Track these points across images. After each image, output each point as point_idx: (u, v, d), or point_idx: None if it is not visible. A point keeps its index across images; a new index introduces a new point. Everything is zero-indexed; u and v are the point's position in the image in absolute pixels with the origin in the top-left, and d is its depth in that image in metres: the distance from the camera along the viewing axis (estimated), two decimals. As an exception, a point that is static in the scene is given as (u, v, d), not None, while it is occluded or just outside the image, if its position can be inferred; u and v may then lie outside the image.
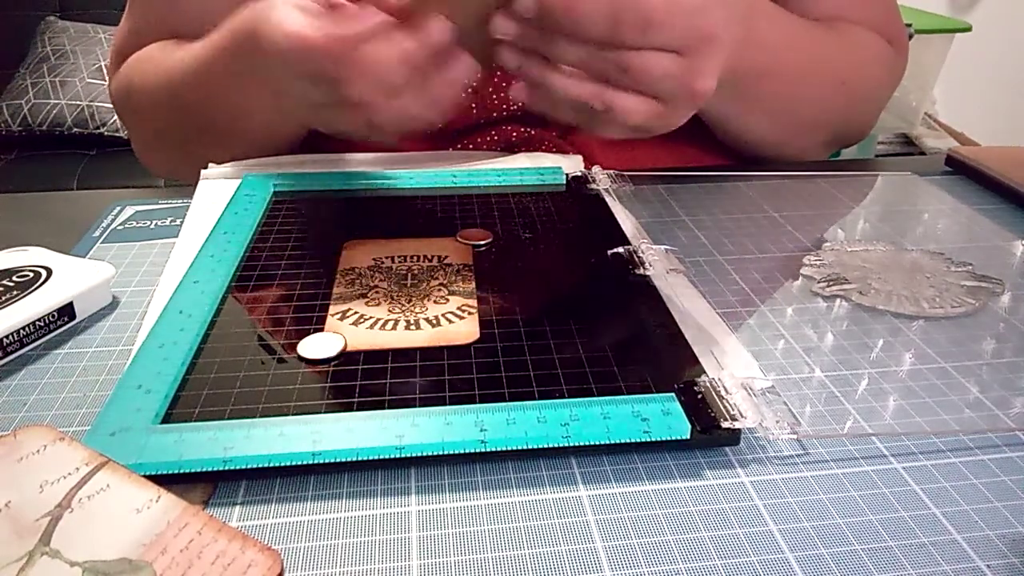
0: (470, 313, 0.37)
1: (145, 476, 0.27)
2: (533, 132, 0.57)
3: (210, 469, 0.27)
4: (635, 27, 0.40)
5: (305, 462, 0.28)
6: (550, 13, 0.40)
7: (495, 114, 0.56)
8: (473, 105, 0.56)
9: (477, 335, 0.35)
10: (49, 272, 0.38)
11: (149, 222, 0.48)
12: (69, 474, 0.25)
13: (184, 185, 0.53)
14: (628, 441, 0.29)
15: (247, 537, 0.24)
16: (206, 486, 0.28)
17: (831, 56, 0.59)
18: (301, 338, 0.35)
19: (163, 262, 0.42)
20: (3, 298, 0.36)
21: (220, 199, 0.49)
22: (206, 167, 0.53)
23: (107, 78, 0.67)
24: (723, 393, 0.31)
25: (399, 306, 0.38)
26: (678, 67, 0.42)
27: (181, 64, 0.55)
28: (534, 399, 0.31)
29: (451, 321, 0.36)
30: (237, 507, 0.27)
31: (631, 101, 0.43)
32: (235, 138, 0.55)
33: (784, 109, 0.58)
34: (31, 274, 0.38)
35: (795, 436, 0.30)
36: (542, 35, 0.42)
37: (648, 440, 0.29)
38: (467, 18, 0.42)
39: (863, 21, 0.62)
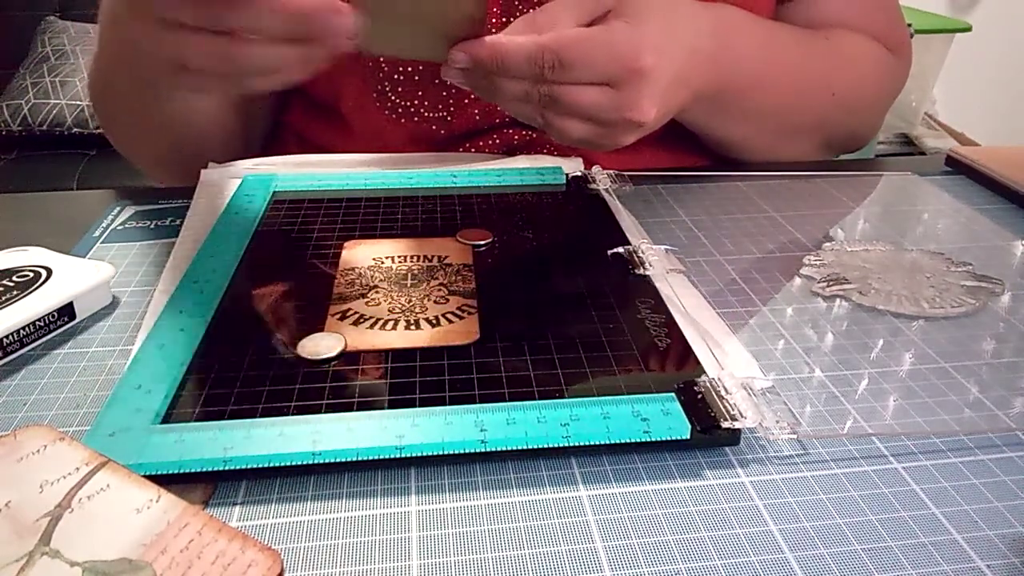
0: (470, 313, 0.37)
1: (145, 476, 0.27)
2: (534, 135, 0.57)
3: (210, 469, 0.27)
4: (554, 68, 0.43)
5: (305, 462, 0.28)
6: (481, 64, 0.43)
7: (497, 120, 0.56)
8: (476, 112, 0.56)
9: (477, 335, 0.35)
10: (49, 272, 0.38)
11: (149, 222, 0.48)
12: (69, 474, 0.25)
13: (184, 185, 0.53)
14: (628, 441, 0.29)
15: (247, 537, 0.24)
16: (206, 486, 0.28)
17: (820, 67, 0.59)
18: (301, 338, 0.35)
19: (163, 262, 0.42)
20: (3, 298, 0.36)
21: (220, 199, 0.49)
22: (154, 163, 0.53)
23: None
24: (723, 393, 0.31)
25: (399, 306, 0.38)
26: (608, 99, 0.44)
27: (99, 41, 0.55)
28: (534, 399, 0.31)
29: (451, 321, 0.36)
30: (237, 507, 0.27)
31: (568, 122, 0.46)
32: (149, 125, 0.55)
33: (769, 119, 0.58)
34: (31, 274, 0.38)
35: (795, 436, 0.30)
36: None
37: (648, 440, 0.29)
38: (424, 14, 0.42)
39: (865, 29, 0.62)
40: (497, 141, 0.57)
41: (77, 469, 0.26)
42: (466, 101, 0.55)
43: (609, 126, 0.46)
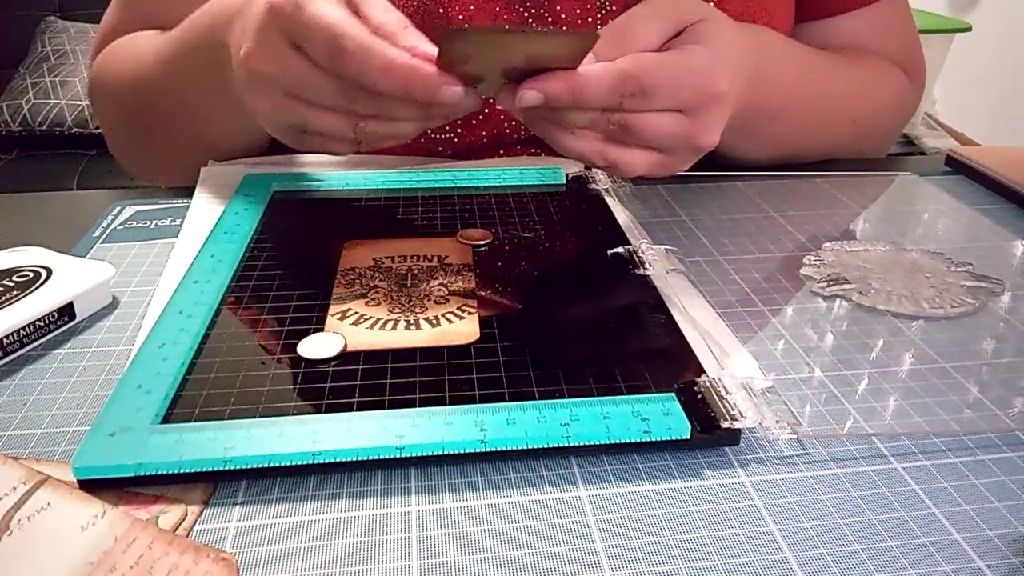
0: (470, 313, 0.37)
1: (144, 476, 0.27)
2: (542, 154, 0.57)
3: (210, 469, 0.27)
4: (636, 96, 0.40)
5: (305, 462, 0.28)
6: (554, 101, 0.39)
7: (504, 140, 0.56)
8: (484, 133, 0.55)
9: (477, 335, 0.35)
10: (49, 272, 0.38)
11: (149, 222, 0.48)
12: (6, 494, 0.24)
13: (184, 185, 0.53)
14: (628, 441, 0.29)
15: (200, 547, 0.23)
16: (206, 486, 0.28)
17: (843, 93, 0.59)
18: (301, 338, 0.35)
19: (163, 262, 0.42)
20: (3, 298, 0.36)
21: (220, 199, 0.49)
22: (170, 169, 0.52)
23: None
24: (723, 393, 0.31)
25: (399, 306, 0.38)
26: (681, 125, 0.42)
27: (150, 55, 0.55)
28: (534, 399, 0.31)
29: (451, 321, 0.36)
30: (237, 507, 0.27)
31: (632, 155, 0.43)
32: (189, 139, 0.55)
33: (791, 143, 0.58)
34: (31, 274, 0.38)
35: (795, 436, 0.30)
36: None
37: (648, 440, 0.29)
38: (486, 69, 0.39)
39: (882, 51, 0.63)
40: (504, 155, 0.57)
41: (14, 488, 0.24)
42: (474, 122, 0.55)
43: (674, 154, 0.44)
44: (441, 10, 0.52)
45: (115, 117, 0.62)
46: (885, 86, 0.63)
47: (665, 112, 0.42)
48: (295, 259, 0.43)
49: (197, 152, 0.55)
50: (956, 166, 0.58)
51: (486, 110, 0.55)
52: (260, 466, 0.28)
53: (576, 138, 0.42)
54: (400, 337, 0.35)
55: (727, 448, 0.30)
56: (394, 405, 0.31)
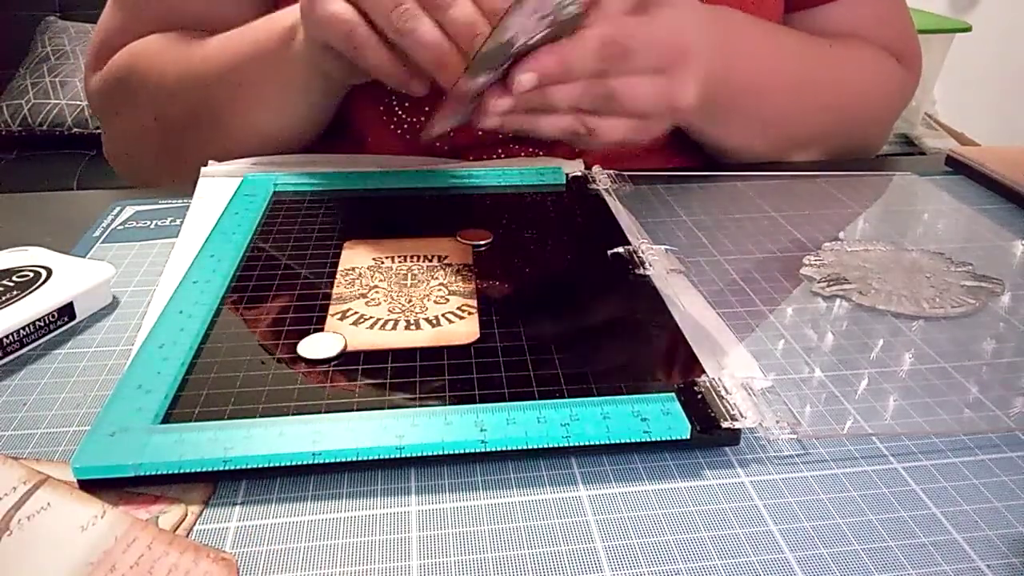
0: (470, 313, 0.37)
1: (144, 476, 0.27)
2: (540, 153, 0.57)
3: (210, 469, 0.27)
4: (618, 58, 0.42)
5: (305, 462, 0.28)
6: (547, 77, 0.41)
7: (500, 136, 0.56)
8: (479, 128, 0.56)
9: (477, 335, 0.35)
10: (49, 272, 0.38)
11: (149, 222, 0.48)
12: (6, 494, 0.24)
13: (184, 185, 0.53)
14: (628, 441, 0.29)
15: (200, 547, 0.23)
16: (206, 486, 0.28)
17: (822, 75, 0.59)
18: (301, 338, 0.35)
19: (163, 262, 0.42)
20: (3, 298, 0.36)
21: (220, 199, 0.49)
22: (182, 171, 0.53)
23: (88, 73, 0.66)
24: (723, 393, 0.31)
25: (399, 306, 0.38)
26: (660, 86, 0.44)
27: (213, 52, 0.55)
28: (534, 399, 0.31)
29: (451, 321, 0.36)
30: (237, 507, 0.27)
31: (612, 123, 0.45)
32: (244, 131, 0.55)
33: (770, 127, 0.57)
34: (31, 274, 0.38)
35: (795, 436, 0.30)
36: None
37: (648, 440, 0.29)
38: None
39: (874, 38, 0.62)
40: (501, 154, 0.57)
41: (14, 488, 0.24)
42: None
43: (651, 118, 0.45)
44: None
45: (136, 119, 0.61)
46: (871, 70, 0.62)
47: (644, 75, 0.43)
48: (295, 259, 0.43)
49: (247, 145, 0.56)
50: (956, 166, 0.58)
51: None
52: (260, 466, 0.27)
53: (552, 118, 0.44)
54: (400, 337, 0.35)
55: (727, 448, 0.30)
56: (394, 405, 0.31)
